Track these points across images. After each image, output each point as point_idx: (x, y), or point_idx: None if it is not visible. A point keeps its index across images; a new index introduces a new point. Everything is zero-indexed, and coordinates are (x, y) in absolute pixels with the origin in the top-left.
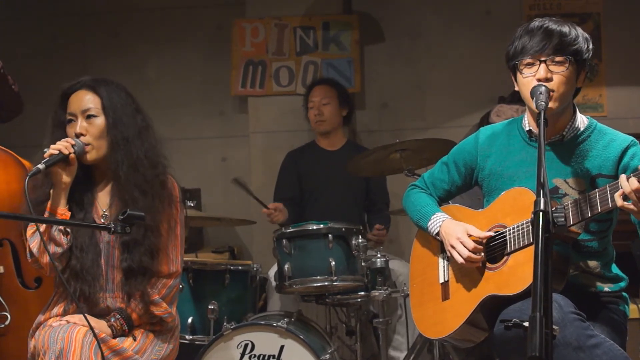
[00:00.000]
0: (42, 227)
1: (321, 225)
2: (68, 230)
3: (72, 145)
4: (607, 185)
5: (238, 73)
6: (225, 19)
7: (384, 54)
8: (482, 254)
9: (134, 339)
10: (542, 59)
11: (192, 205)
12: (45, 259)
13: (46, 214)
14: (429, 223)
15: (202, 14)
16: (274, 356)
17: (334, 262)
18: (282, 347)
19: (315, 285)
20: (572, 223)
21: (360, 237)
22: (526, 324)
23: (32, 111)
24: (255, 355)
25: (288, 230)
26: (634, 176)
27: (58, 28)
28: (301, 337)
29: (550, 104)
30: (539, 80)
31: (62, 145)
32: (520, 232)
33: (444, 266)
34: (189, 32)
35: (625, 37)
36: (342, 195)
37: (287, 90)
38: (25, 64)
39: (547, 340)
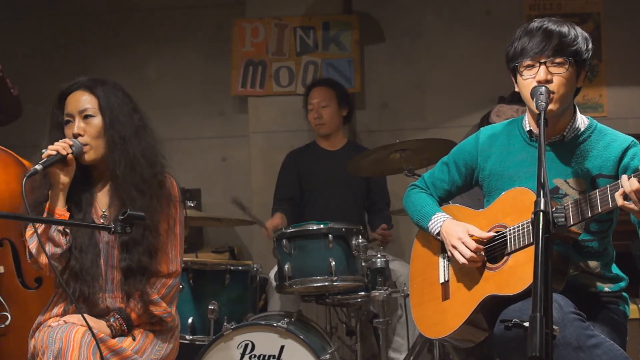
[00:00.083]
0: (40, 227)
1: (321, 226)
2: (67, 230)
3: (70, 146)
4: (608, 185)
5: (238, 73)
6: (225, 19)
7: (384, 54)
8: (482, 253)
9: (134, 339)
10: (542, 60)
11: (192, 205)
12: (44, 259)
13: (45, 215)
14: (430, 223)
15: (202, 14)
16: (274, 356)
17: (334, 262)
18: (282, 347)
19: (315, 285)
20: (572, 223)
21: (360, 237)
22: (526, 324)
23: (32, 111)
24: (255, 356)
25: (288, 231)
26: (634, 176)
27: (58, 28)
28: (301, 337)
29: (551, 106)
30: (539, 82)
31: (60, 146)
32: (520, 232)
33: (444, 266)
34: (189, 32)
35: (625, 37)
36: (342, 195)
37: (287, 91)
38: (25, 64)
39: (547, 340)
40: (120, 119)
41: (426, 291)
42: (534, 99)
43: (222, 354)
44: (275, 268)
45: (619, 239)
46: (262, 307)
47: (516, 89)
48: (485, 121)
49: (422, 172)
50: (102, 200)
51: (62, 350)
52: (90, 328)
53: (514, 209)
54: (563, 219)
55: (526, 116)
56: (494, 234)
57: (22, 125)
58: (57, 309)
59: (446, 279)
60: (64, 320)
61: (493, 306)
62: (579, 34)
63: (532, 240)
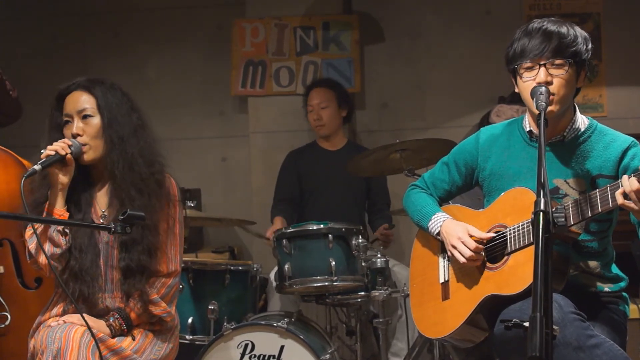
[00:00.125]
0: (39, 228)
1: (321, 226)
2: (67, 230)
3: (69, 146)
4: (608, 185)
5: (238, 73)
6: (225, 19)
7: (384, 54)
8: (482, 253)
9: (133, 339)
10: (542, 62)
11: (192, 205)
12: (44, 259)
13: (44, 215)
14: (430, 223)
15: (202, 14)
16: (274, 356)
17: (334, 262)
18: (282, 347)
19: (315, 285)
20: (572, 223)
21: (360, 237)
22: (526, 324)
23: (32, 111)
24: (255, 355)
25: (288, 231)
26: (634, 176)
27: (58, 28)
28: (301, 337)
29: (551, 108)
30: (539, 84)
31: (59, 146)
32: (520, 232)
33: (444, 266)
34: (189, 32)
35: (625, 37)
36: (342, 195)
37: (287, 91)
38: (25, 64)
39: (547, 340)
40: (119, 119)
41: (426, 291)
42: (534, 99)
43: (222, 354)
44: (276, 268)
45: (619, 239)
46: (262, 307)
47: (516, 90)
48: (485, 121)
49: (422, 172)
50: (102, 200)
51: (61, 349)
52: (89, 328)
53: (514, 208)
54: (563, 219)
55: (526, 116)
56: (494, 234)
57: (22, 126)
58: (57, 309)
59: (446, 279)
60: (63, 320)
61: (493, 306)
62: (578, 34)
63: (532, 240)
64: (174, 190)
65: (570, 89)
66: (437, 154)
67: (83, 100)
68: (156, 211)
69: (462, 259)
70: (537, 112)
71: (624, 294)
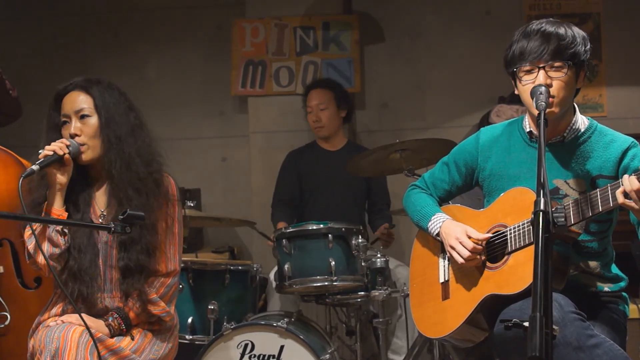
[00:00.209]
0: (38, 228)
1: (321, 225)
2: (65, 230)
3: (67, 146)
4: (609, 184)
5: (238, 73)
6: (225, 19)
7: (384, 54)
8: (483, 256)
9: (132, 339)
10: (541, 65)
11: (192, 205)
12: (43, 259)
13: (43, 215)
14: (430, 223)
15: (202, 14)
16: (274, 356)
17: (334, 262)
18: (282, 347)
19: (315, 285)
20: (572, 223)
21: (360, 237)
22: (526, 324)
23: (32, 111)
24: (255, 355)
25: (288, 230)
26: (634, 175)
27: (58, 28)
28: (301, 337)
29: (551, 109)
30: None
31: (57, 146)
32: (520, 231)
33: (444, 266)
34: (189, 32)
35: (625, 37)
36: (342, 195)
37: (287, 91)
38: (25, 64)
39: (547, 340)
40: (116, 118)
41: (426, 291)
42: (534, 99)
43: (221, 354)
44: (275, 268)
45: (619, 239)
46: (262, 307)
47: (516, 92)
48: (485, 121)
49: (422, 172)
50: (100, 199)
51: (60, 349)
52: (87, 327)
53: (514, 208)
54: (563, 219)
55: (526, 117)
56: (491, 235)
57: (22, 126)
58: (56, 309)
59: (446, 279)
60: (62, 320)
61: (493, 306)
62: (576, 35)
63: (532, 240)
64: (172, 190)
65: (570, 90)
66: (437, 154)
67: (80, 100)
68: (154, 210)
69: (459, 260)
70: (537, 112)
71: (624, 294)
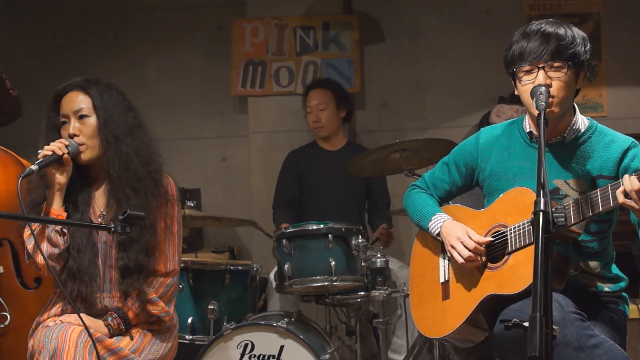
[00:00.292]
0: (37, 228)
1: (321, 225)
2: (65, 230)
3: (66, 146)
4: (609, 184)
5: (238, 73)
6: (225, 19)
7: (384, 54)
8: (483, 257)
9: (131, 339)
10: (540, 65)
11: (192, 205)
12: (42, 259)
13: (42, 215)
14: (430, 224)
15: (202, 14)
16: (273, 356)
17: (333, 262)
18: (282, 347)
19: (315, 285)
20: (572, 223)
21: (360, 237)
22: (526, 324)
23: (32, 111)
24: (255, 355)
25: (288, 230)
26: (635, 175)
27: (58, 28)
28: (301, 337)
29: (551, 109)
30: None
31: (56, 146)
32: (521, 231)
33: (444, 266)
34: (189, 32)
35: (625, 37)
36: (342, 195)
37: (287, 90)
38: (25, 64)
39: (547, 340)
40: (114, 118)
41: (426, 291)
42: (534, 99)
43: (221, 354)
44: (275, 268)
45: (619, 239)
46: (262, 307)
47: (516, 93)
48: (485, 121)
49: (422, 172)
50: (100, 199)
51: (58, 349)
52: (86, 327)
53: (514, 208)
54: (563, 219)
55: (526, 117)
56: (492, 239)
57: (22, 125)
58: (56, 309)
59: (446, 279)
60: (61, 320)
61: (493, 306)
62: (576, 35)
63: (532, 240)
64: (172, 190)
65: (570, 90)
66: (437, 154)
67: (79, 101)
68: (153, 210)
69: (460, 260)
70: (537, 112)
71: (624, 294)
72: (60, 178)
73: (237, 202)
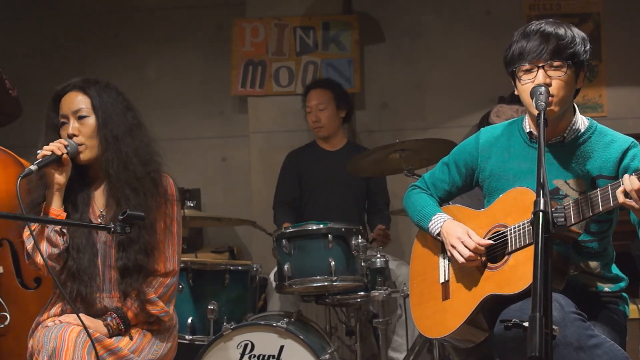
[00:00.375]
0: (36, 228)
1: (321, 226)
2: (64, 230)
3: (65, 146)
4: (609, 184)
5: (238, 73)
6: (225, 19)
7: (384, 54)
8: (483, 257)
9: (131, 339)
10: (540, 64)
11: (192, 205)
12: (41, 259)
13: (42, 215)
14: (430, 224)
15: (202, 14)
16: (273, 356)
17: (333, 262)
18: (281, 347)
19: (315, 285)
20: (572, 223)
21: (360, 237)
22: (526, 324)
23: (32, 111)
24: (255, 356)
25: (288, 230)
26: (635, 175)
27: (58, 28)
28: (301, 337)
29: (551, 109)
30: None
31: (55, 146)
32: (521, 231)
33: (444, 266)
34: (189, 32)
35: (625, 37)
36: (342, 195)
37: (287, 91)
38: (25, 64)
39: (547, 340)
40: (113, 118)
41: (426, 291)
42: (534, 99)
43: (221, 354)
44: (275, 268)
45: (619, 239)
46: (262, 307)
47: (516, 93)
48: (485, 121)
49: (422, 172)
50: (99, 199)
51: (57, 349)
52: (85, 327)
53: (514, 208)
54: (563, 219)
55: (526, 117)
56: (492, 242)
57: (22, 125)
58: (55, 309)
59: (446, 279)
60: (60, 320)
61: (493, 306)
62: (576, 35)
63: (532, 240)
64: (171, 190)
65: (570, 90)
66: (437, 154)
67: (78, 101)
68: (152, 210)
69: (460, 259)
70: (536, 112)
71: (624, 294)
72: (60, 178)
73: (237, 202)
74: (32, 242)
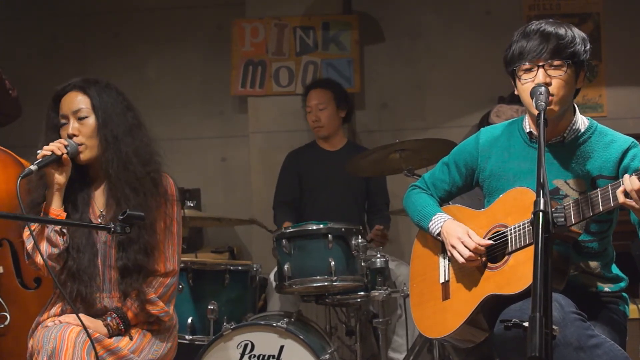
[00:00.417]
0: (36, 228)
1: (321, 226)
2: (64, 230)
3: (65, 146)
4: (609, 184)
5: (238, 73)
6: (225, 19)
7: (384, 54)
8: (484, 257)
9: (131, 339)
10: (540, 63)
11: (191, 205)
12: (41, 259)
13: (42, 215)
14: (430, 224)
15: (202, 14)
16: (273, 356)
17: (333, 262)
18: (281, 347)
19: (315, 285)
20: (572, 223)
21: (360, 237)
22: (526, 324)
23: (32, 111)
24: (255, 356)
25: (288, 230)
26: (635, 175)
27: (58, 28)
28: (301, 337)
29: (550, 108)
30: (538, 85)
31: (55, 146)
32: (521, 231)
33: (444, 266)
34: (189, 32)
35: (625, 37)
36: (342, 195)
37: (287, 91)
38: (25, 64)
39: (547, 340)
40: (113, 118)
41: (426, 291)
42: (534, 99)
43: (221, 354)
44: (275, 268)
45: (619, 239)
46: (262, 307)
47: (516, 92)
48: (485, 121)
49: (422, 172)
50: (99, 199)
51: (56, 349)
52: (85, 327)
53: (514, 208)
54: (563, 219)
55: (526, 117)
56: (493, 242)
57: (22, 125)
58: (56, 309)
59: (446, 279)
60: (60, 320)
61: (493, 306)
62: (576, 35)
63: (532, 240)
64: (171, 190)
65: (570, 89)
66: (437, 154)
67: (78, 101)
68: (152, 210)
69: (461, 259)
70: (536, 112)
71: (624, 294)
72: (60, 178)
73: (237, 202)
74: (32, 242)
